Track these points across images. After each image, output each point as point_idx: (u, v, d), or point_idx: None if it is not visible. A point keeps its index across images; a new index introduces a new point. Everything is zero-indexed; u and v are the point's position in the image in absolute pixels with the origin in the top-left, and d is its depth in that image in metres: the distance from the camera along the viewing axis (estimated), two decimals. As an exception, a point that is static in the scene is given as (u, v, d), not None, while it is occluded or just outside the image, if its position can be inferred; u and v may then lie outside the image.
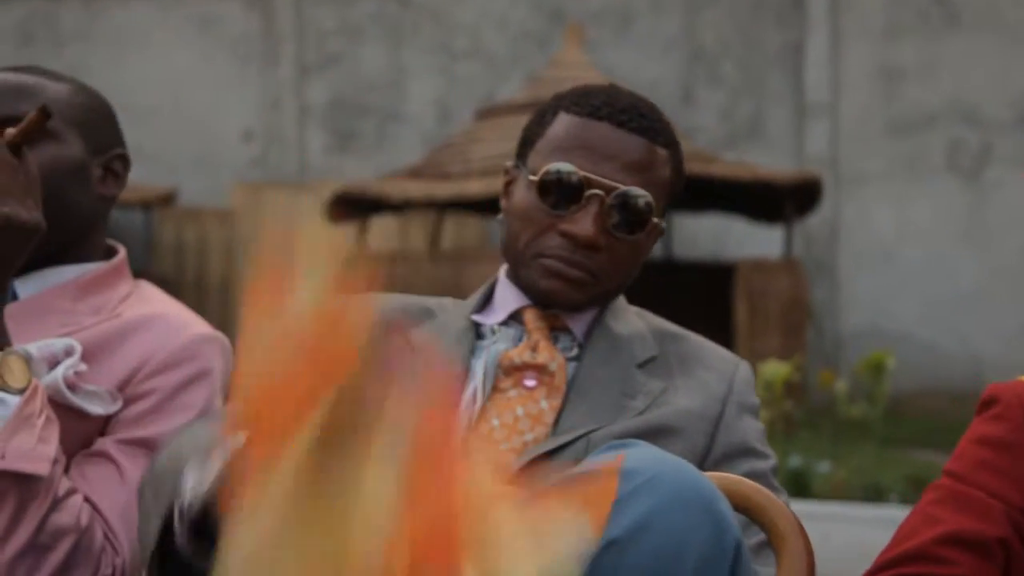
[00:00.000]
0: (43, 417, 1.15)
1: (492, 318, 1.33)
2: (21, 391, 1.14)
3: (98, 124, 1.36)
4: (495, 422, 1.20)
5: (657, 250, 7.77)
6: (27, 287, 1.32)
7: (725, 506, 0.90)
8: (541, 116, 1.32)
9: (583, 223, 1.24)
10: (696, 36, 9.49)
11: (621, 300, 1.36)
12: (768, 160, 8.72)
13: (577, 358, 1.28)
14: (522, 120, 5.97)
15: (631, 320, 1.33)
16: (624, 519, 0.86)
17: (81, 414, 1.22)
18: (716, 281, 7.71)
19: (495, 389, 1.23)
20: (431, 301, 1.37)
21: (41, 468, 1.12)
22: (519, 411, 1.21)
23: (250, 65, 10.28)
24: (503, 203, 1.33)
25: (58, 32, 10.41)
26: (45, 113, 1.18)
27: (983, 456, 1.14)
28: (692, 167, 7.45)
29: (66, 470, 1.20)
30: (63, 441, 1.18)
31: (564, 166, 1.24)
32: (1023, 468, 1.12)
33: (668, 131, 1.30)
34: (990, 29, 8.97)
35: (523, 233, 1.28)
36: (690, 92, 9.43)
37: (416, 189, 7.34)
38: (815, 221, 8.72)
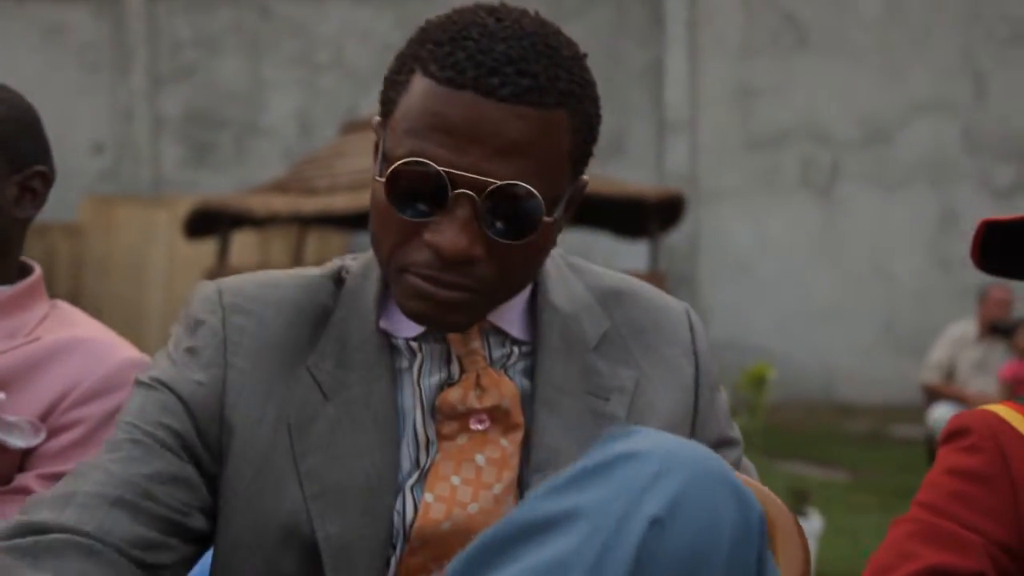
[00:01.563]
0: None
1: (403, 328, 1.04)
2: None
3: (16, 139, 1.25)
4: (455, 480, 1.01)
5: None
6: None
7: (742, 483, 0.89)
8: (400, 67, 0.99)
9: (450, 233, 0.94)
10: (558, 53, 9.59)
11: (550, 262, 1.09)
12: (629, 176, 8.85)
13: (519, 360, 1.06)
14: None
15: (569, 284, 1.10)
16: (659, 498, 0.84)
17: (0, 448, 1.11)
18: (583, 295, 7.78)
19: (440, 436, 1.02)
20: (317, 296, 1.06)
21: None
22: (479, 459, 1.02)
23: (100, 74, 9.90)
24: (372, 168, 1.02)
25: None
26: None
27: (957, 488, 1.12)
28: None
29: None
30: (-20, 478, 1.07)
31: (417, 161, 0.94)
32: (999, 500, 1.11)
33: (566, 81, 0.97)
34: (837, 50, 9.34)
35: (384, 241, 0.99)
36: (553, 108, 9.52)
37: (281, 203, 7.18)
38: (676, 236, 8.89)
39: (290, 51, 9.86)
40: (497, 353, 1.06)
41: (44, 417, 1.15)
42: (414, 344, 1.05)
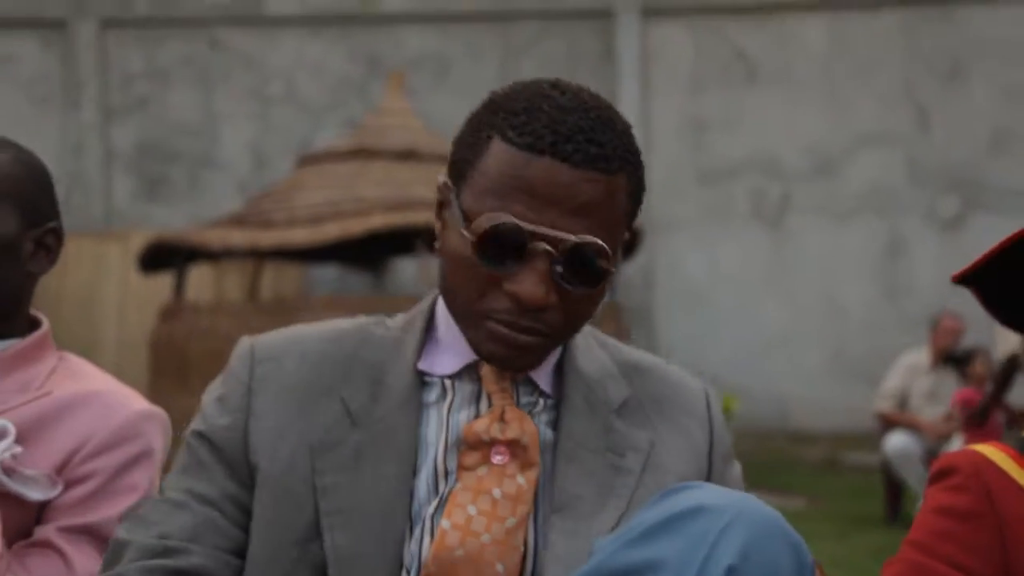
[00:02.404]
0: None
1: (440, 366, 1.15)
2: None
3: (34, 197, 1.28)
4: (472, 510, 1.07)
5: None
6: None
7: (797, 535, 0.98)
8: (475, 133, 1.11)
9: (529, 283, 1.06)
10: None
11: (579, 334, 1.19)
12: (583, 208, 8.94)
13: (544, 412, 1.15)
14: (346, 168, 5.89)
15: (595, 354, 1.20)
16: (732, 547, 0.94)
17: (19, 500, 1.12)
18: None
19: (461, 467, 1.10)
20: (353, 340, 1.16)
21: None
22: (496, 493, 1.08)
23: (49, 107, 9.81)
24: (437, 228, 1.14)
25: None
26: None
27: (944, 527, 1.16)
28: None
29: (2, 565, 1.10)
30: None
31: (502, 220, 1.05)
32: (986, 538, 1.14)
33: (624, 150, 1.09)
34: (784, 84, 9.53)
35: (463, 289, 1.10)
36: (508, 141, 9.59)
37: (238, 238, 7.15)
38: (631, 268, 8.98)
39: (242, 83, 9.85)
40: (525, 399, 1.15)
41: (59, 470, 1.16)
42: (447, 382, 1.14)
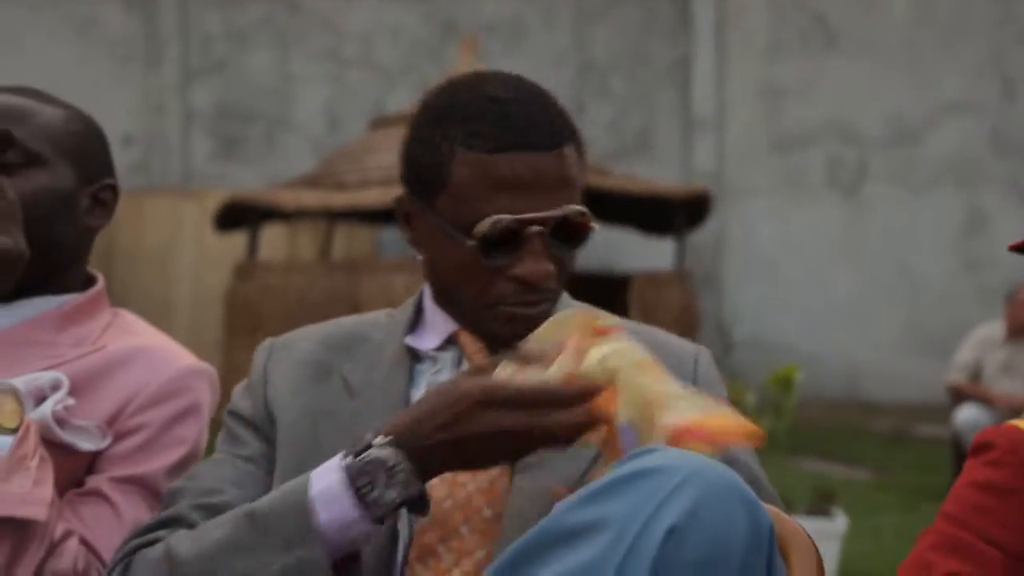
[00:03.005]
0: (37, 458, 1.10)
1: (426, 342, 1.26)
2: (14, 430, 1.09)
3: (90, 153, 1.32)
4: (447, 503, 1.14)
5: (548, 261, 7.84)
6: (2, 319, 1.25)
7: (757, 499, 0.98)
8: (431, 148, 1.19)
9: (532, 264, 1.17)
10: (586, 50, 9.62)
11: (563, 296, 1.29)
12: (656, 173, 8.88)
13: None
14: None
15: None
16: (676, 508, 0.93)
17: (70, 451, 1.17)
18: (608, 293, 7.82)
19: None
20: (358, 323, 1.30)
21: (38, 513, 1.07)
22: None
23: (131, 67, 10.00)
24: (408, 235, 1.25)
25: (-75, 29, 9.95)
26: (5, 140, 1.13)
27: (979, 500, 1.17)
28: (586, 179, 7.55)
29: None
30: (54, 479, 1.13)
31: (499, 219, 1.16)
32: (1019, 515, 1.15)
33: (566, 123, 1.21)
34: (865, 51, 9.33)
35: (468, 287, 1.20)
36: (581, 105, 9.54)
37: (311, 198, 7.25)
38: (701, 234, 8.92)
39: (319, 46, 9.93)
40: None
41: (110, 422, 1.21)
42: (434, 353, 1.25)
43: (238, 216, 7.69)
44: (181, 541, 1.07)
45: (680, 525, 0.93)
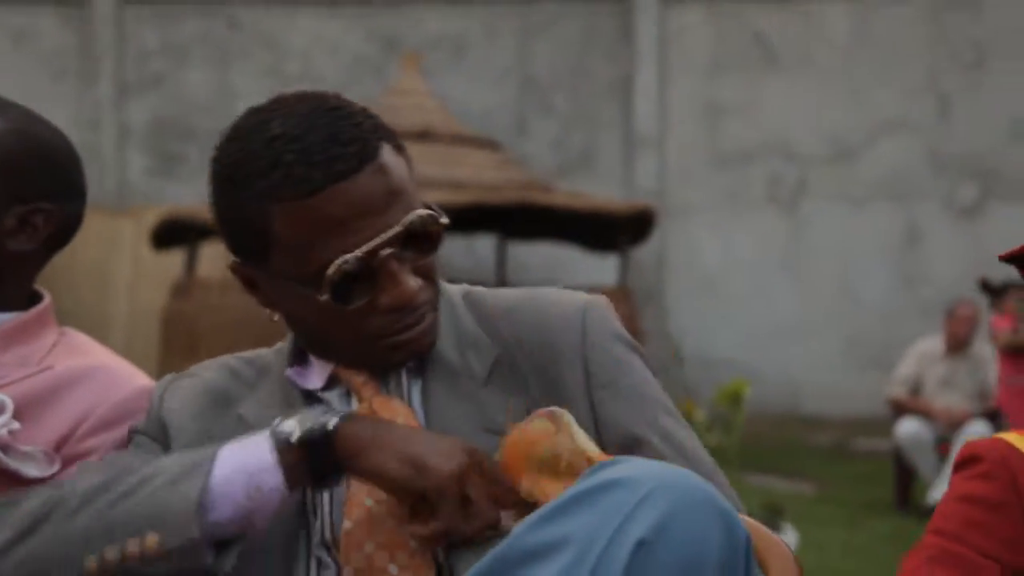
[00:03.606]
0: None
1: (311, 380, 1.17)
2: None
3: (23, 172, 1.23)
4: (368, 501, 1.07)
5: (489, 277, 7.81)
6: None
7: (729, 504, 0.92)
8: (245, 213, 1.10)
9: (397, 290, 1.08)
10: (528, 66, 9.62)
11: (444, 301, 1.19)
12: (598, 190, 8.90)
13: (414, 383, 1.15)
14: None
15: (459, 323, 1.17)
16: (645, 521, 0.88)
17: (15, 478, 1.11)
18: (552, 309, 7.79)
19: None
20: (262, 359, 1.22)
21: None
22: None
23: (65, 82, 9.81)
24: (259, 299, 1.15)
25: None
26: None
27: (971, 515, 1.15)
28: (529, 196, 7.55)
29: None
30: (-5, 509, 1.06)
31: (342, 262, 1.06)
32: (1012, 527, 1.13)
33: (370, 127, 1.10)
34: (805, 70, 9.45)
35: (337, 337, 1.11)
36: (523, 122, 9.54)
37: (251, 215, 7.14)
38: (643, 251, 8.94)
39: (259, 62, 9.82)
40: (392, 384, 1.15)
41: (58, 447, 1.15)
42: (321, 395, 1.16)
43: (176, 234, 7.56)
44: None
45: (649, 538, 0.87)
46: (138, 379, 1.23)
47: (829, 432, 8.57)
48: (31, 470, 1.11)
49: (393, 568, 1.05)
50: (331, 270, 1.06)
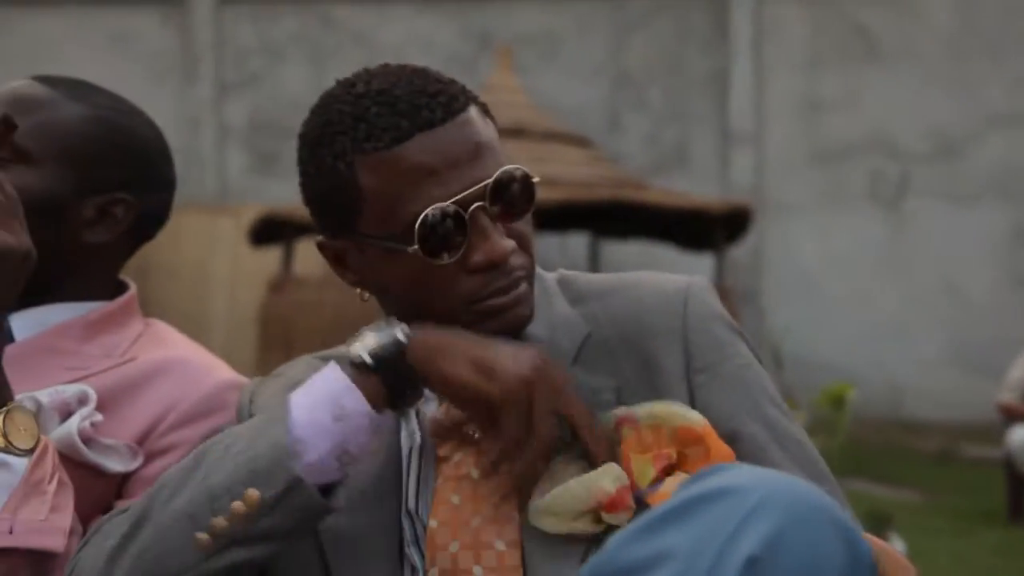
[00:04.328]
0: (55, 481, 0.99)
1: None
2: (29, 451, 0.98)
3: (103, 161, 1.19)
4: (455, 499, 1.03)
5: (585, 277, 7.74)
6: (22, 326, 1.16)
7: (853, 521, 0.84)
8: (329, 175, 1.06)
9: (489, 244, 1.03)
10: (622, 62, 9.52)
11: (538, 285, 1.13)
12: (692, 187, 8.76)
13: None
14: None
15: (551, 305, 1.12)
16: (756, 536, 0.79)
17: (97, 472, 1.07)
18: (646, 308, 7.68)
19: (439, 459, 1.05)
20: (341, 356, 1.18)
21: (55, 543, 0.97)
22: (474, 473, 1.03)
23: (167, 83, 10.01)
24: (349, 278, 1.11)
25: (-37, 44, 10.01)
26: (6, 125, 1.03)
27: None
28: (624, 194, 7.45)
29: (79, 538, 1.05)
30: (77, 503, 1.02)
31: (431, 211, 1.01)
32: None
33: (457, 88, 1.06)
34: (907, 62, 9.17)
35: (429, 301, 1.06)
36: (616, 118, 9.44)
37: (345, 213, 7.19)
38: (739, 250, 8.78)
39: (353, 60, 9.88)
40: None
41: (141, 441, 1.11)
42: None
43: (273, 231, 7.64)
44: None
45: (761, 555, 0.79)
46: (220, 372, 1.19)
47: (934, 438, 8.30)
48: (114, 464, 1.08)
49: (478, 570, 1.01)
50: (420, 219, 1.02)
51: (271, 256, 8.08)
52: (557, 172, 7.19)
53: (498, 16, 9.63)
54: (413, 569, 1.04)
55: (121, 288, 1.25)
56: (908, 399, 8.97)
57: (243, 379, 1.20)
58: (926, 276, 9.07)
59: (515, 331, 1.07)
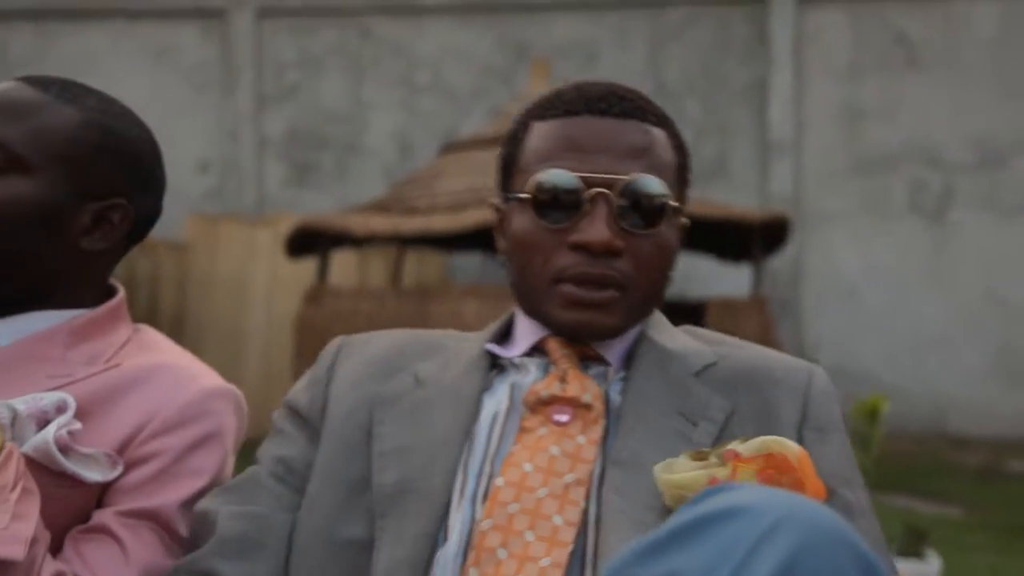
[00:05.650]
0: (19, 489, 0.96)
1: (511, 351, 1.17)
2: None
3: (98, 166, 1.17)
4: (527, 467, 1.04)
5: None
6: (7, 333, 1.14)
7: (868, 548, 0.80)
8: (513, 137, 1.18)
9: (594, 228, 1.08)
10: (660, 72, 9.46)
11: (662, 317, 1.20)
12: (731, 198, 8.67)
13: (614, 384, 1.13)
14: (488, 155, 5.79)
15: (678, 335, 1.17)
16: (770, 560, 0.75)
17: (75, 481, 1.05)
18: (683, 320, 7.61)
19: (522, 429, 1.08)
20: (438, 334, 1.23)
21: (15, 552, 0.94)
22: (554, 450, 1.05)
23: (207, 94, 10.09)
24: (500, 244, 1.19)
25: (8, 59, 10.14)
26: None
27: None
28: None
29: (58, 549, 1.02)
30: (53, 514, 1.00)
31: (555, 172, 1.09)
32: None
33: (656, 110, 1.15)
34: (950, 70, 9.03)
35: (531, 262, 1.11)
36: (654, 129, 9.38)
37: (380, 223, 7.18)
38: (778, 261, 8.68)
39: (391, 72, 9.92)
40: (594, 371, 1.13)
41: (121, 449, 1.09)
42: (518, 360, 1.15)
43: (309, 241, 7.66)
44: None
45: None
46: (206, 379, 1.17)
47: (977, 452, 8.14)
48: (92, 473, 1.05)
49: (529, 535, 1.01)
50: (540, 177, 1.08)
51: (308, 267, 8.10)
52: (593, 182, 7.16)
53: (535, 27, 9.62)
54: (462, 519, 1.04)
55: (111, 292, 1.23)
56: (951, 413, 8.81)
57: (228, 386, 1.18)
58: (969, 288, 8.91)
59: (591, 335, 1.11)
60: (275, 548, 1.06)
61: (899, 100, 9.07)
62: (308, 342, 7.32)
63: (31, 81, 1.19)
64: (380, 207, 7.50)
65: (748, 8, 9.36)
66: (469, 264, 9.43)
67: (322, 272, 7.56)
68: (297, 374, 7.28)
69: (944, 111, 8.99)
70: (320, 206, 9.41)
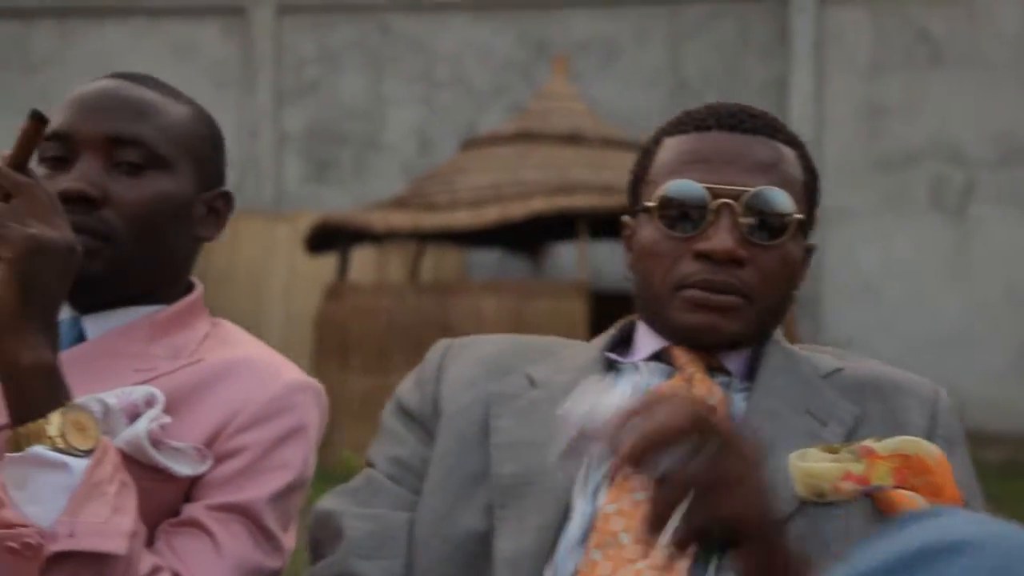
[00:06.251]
0: (116, 482, 0.98)
1: (631, 358, 1.18)
2: (88, 452, 0.97)
3: (210, 158, 1.22)
4: (639, 495, 1.02)
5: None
6: (93, 327, 1.15)
7: None
8: (645, 153, 1.21)
9: (716, 238, 1.10)
10: (680, 69, 9.45)
11: (782, 335, 1.20)
12: (751, 195, 8.67)
13: (739, 392, 1.13)
14: (508, 151, 5.78)
15: (799, 351, 1.20)
16: None
17: (166, 475, 1.06)
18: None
19: None
20: (545, 340, 1.25)
21: (117, 545, 0.96)
22: None
23: (227, 92, 10.11)
24: (627, 258, 1.21)
25: (30, 57, 10.17)
26: (39, 120, 1.03)
27: None
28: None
29: (149, 542, 1.04)
30: (145, 508, 1.01)
31: (682, 182, 1.12)
32: None
33: (787, 131, 1.18)
34: (973, 67, 9.00)
35: (655, 271, 1.14)
36: (674, 125, 9.37)
37: (400, 219, 7.20)
38: (799, 257, 8.66)
39: (410, 68, 9.93)
40: (718, 380, 1.13)
41: (209, 443, 1.10)
42: (639, 364, 1.15)
43: (329, 238, 7.68)
44: None
45: None
46: (288, 373, 1.18)
47: (999, 449, 8.12)
48: (182, 467, 1.06)
49: (642, 564, 1.01)
50: (667, 187, 1.12)
51: (326, 263, 8.12)
52: (614, 179, 7.14)
53: (555, 24, 9.61)
54: (582, 511, 1.04)
55: (188, 288, 1.25)
56: (972, 409, 8.77)
57: (311, 380, 1.20)
58: (991, 284, 8.88)
59: (712, 340, 1.11)
60: (403, 545, 1.08)
61: (921, 97, 9.05)
62: (328, 338, 7.35)
63: (131, 78, 1.21)
64: (400, 203, 7.51)
65: (769, 5, 9.34)
66: (488, 260, 9.43)
67: (342, 268, 7.58)
68: (316, 369, 7.30)
69: (966, 108, 8.96)
70: (339, 202, 9.43)
